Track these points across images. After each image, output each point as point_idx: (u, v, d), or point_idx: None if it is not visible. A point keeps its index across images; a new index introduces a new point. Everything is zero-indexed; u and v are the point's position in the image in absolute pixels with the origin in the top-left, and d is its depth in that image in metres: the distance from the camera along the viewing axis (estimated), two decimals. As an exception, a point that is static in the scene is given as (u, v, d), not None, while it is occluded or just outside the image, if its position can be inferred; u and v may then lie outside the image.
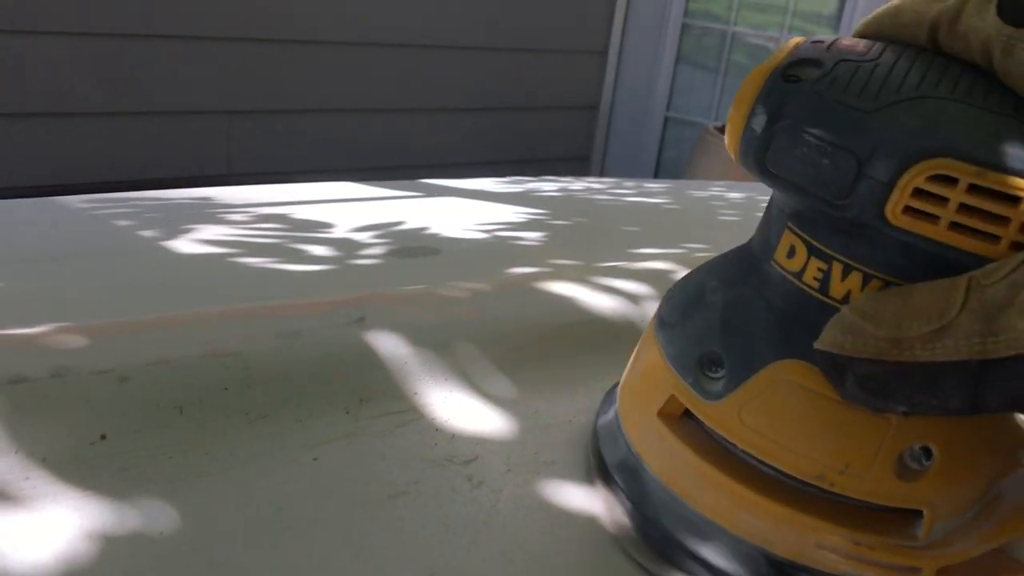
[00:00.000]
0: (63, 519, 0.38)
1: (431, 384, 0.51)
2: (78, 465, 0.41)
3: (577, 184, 1.41)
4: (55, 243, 0.77)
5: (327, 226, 0.87)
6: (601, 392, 0.55)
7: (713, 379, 0.37)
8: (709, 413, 0.37)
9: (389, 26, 3.10)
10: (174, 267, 0.69)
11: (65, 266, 0.67)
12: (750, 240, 0.40)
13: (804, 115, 0.31)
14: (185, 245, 0.76)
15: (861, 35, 0.34)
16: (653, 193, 1.34)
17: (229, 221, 0.88)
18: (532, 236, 0.87)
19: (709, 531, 0.37)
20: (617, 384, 0.48)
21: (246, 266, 0.69)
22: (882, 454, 0.33)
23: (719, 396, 0.36)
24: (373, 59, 3.12)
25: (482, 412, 0.51)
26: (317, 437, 0.46)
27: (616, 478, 0.42)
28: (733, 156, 0.35)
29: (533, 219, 0.99)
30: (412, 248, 0.79)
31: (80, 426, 0.42)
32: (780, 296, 0.36)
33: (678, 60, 3.99)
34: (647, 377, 0.41)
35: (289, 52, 2.92)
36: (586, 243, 0.88)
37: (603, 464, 0.44)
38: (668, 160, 4.09)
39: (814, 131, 0.31)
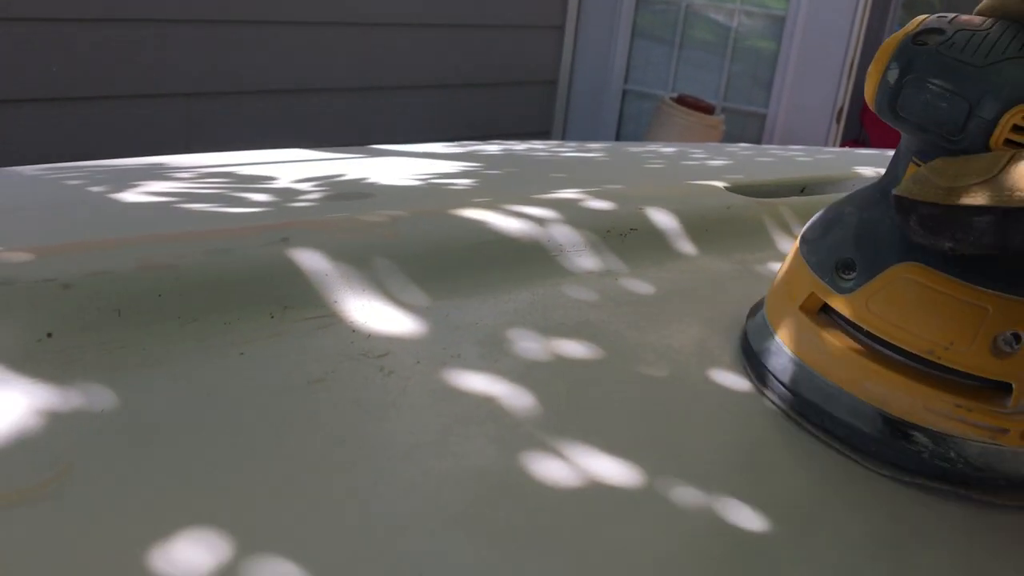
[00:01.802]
0: (15, 401, 0.44)
1: (350, 294, 0.57)
2: (27, 358, 0.46)
3: (520, 145, 1.47)
4: (6, 199, 0.82)
5: (269, 179, 0.92)
6: (509, 301, 0.61)
7: (846, 280, 0.48)
8: (841, 304, 0.49)
9: (346, 5, 3.14)
10: (119, 213, 0.74)
11: (17, 215, 0.72)
12: (879, 179, 0.52)
13: (928, 70, 0.43)
14: (132, 197, 0.81)
15: (981, 12, 0.45)
16: (591, 151, 1.40)
17: (176, 179, 0.93)
18: (463, 182, 0.93)
19: (838, 396, 0.48)
20: (759, 301, 0.60)
21: (187, 210, 0.75)
22: (979, 336, 0.44)
23: (850, 291, 0.48)
24: (331, 39, 3.15)
25: (396, 317, 0.57)
26: (243, 337, 0.52)
27: (762, 361, 0.53)
28: (870, 104, 0.46)
29: (468, 170, 1.04)
30: (346, 194, 0.84)
31: (28, 325, 0.47)
32: None
33: (634, 33, 4.05)
34: (790, 282, 0.53)
35: (246, 33, 2.95)
36: (512, 185, 0.94)
37: (751, 351, 0.55)
38: (628, 133, 4.16)
39: (936, 82, 0.42)
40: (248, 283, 0.54)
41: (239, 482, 0.42)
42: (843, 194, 0.78)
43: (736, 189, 0.81)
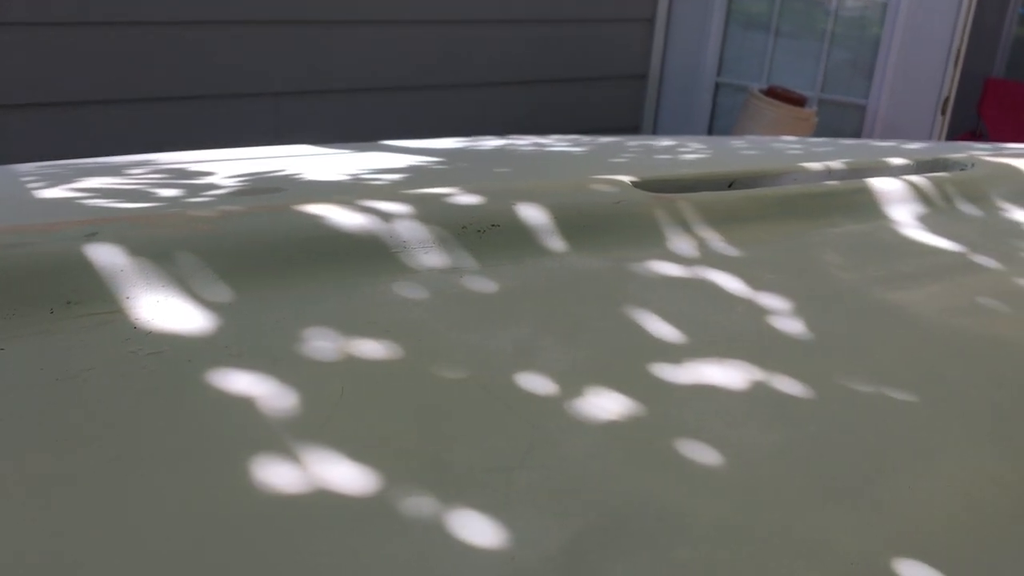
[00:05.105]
0: None
1: (146, 290, 0.56)
2: None
3: (523, 140, 1.43)
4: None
5: (206, 174, 0.92)
6: (325, 299, 0.59)
7: None
8: None
9: (433, 3, 3.16)
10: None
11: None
12: None
13: None
14: (44, 194, 0.83)
15: None
16: (599, 145, 1.35)
17: (125, 174, 0.94)
18: (388, 177, 0.91)
19: None
20: None
21: (69, 205, 0.76)
22: None
23: None
24: (418, 36, 3.18)
25: (191, 314, 0.55)
26: (11, 332, 0.52)
27: None
28: None
29: (417, 165, 1.02)
30: (256, 189, 0.84)
31: None
32: None
33: (728, 24, 3.93)
34: None
35: (334, 32, 3.00)
36: (434, 182, 0.91)
37: None
38: (721, 127, 4.03)
39: None
40: (33, 278, 0.54)
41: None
42: (776, 188, 0.72)
43: (646, 184, 0.77)
